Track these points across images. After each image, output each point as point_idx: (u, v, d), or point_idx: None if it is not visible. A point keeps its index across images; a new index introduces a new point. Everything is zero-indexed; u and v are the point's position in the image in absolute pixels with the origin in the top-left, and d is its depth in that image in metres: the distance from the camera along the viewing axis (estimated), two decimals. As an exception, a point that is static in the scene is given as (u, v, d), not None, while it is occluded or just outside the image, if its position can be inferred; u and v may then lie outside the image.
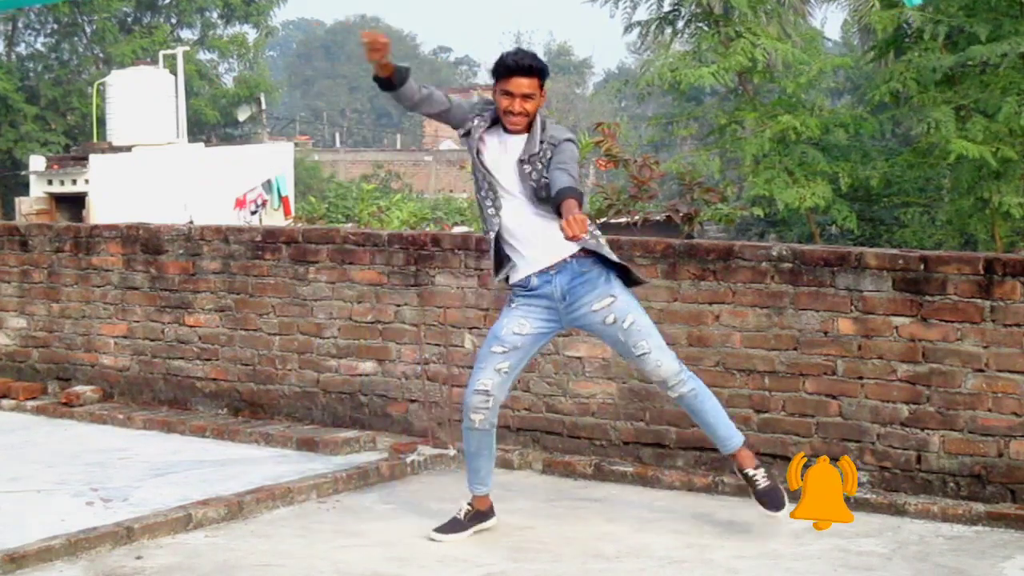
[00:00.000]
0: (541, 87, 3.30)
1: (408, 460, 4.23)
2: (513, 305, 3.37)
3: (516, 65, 3.26)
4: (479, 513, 3.48)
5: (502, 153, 3.34)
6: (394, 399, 4.62)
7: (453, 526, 3.44)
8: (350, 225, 9.70)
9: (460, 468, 4.26)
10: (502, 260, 3.38)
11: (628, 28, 8.43)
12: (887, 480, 3.78)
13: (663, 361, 3.31)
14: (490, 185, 3.33)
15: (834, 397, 3.86)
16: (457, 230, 8.34)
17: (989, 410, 3.66)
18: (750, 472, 3.40)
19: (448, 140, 31.97)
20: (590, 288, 3.30)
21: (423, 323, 4.53)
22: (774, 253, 3.95)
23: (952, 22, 6.73)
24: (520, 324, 3.33)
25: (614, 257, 3.34)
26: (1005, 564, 3.21)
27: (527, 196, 3.29)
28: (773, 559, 3.24)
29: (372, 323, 4.67)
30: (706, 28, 7.98)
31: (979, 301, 3.65)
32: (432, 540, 3.39)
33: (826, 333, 3.86)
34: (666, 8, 8.16)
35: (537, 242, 3.30)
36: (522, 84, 3.25)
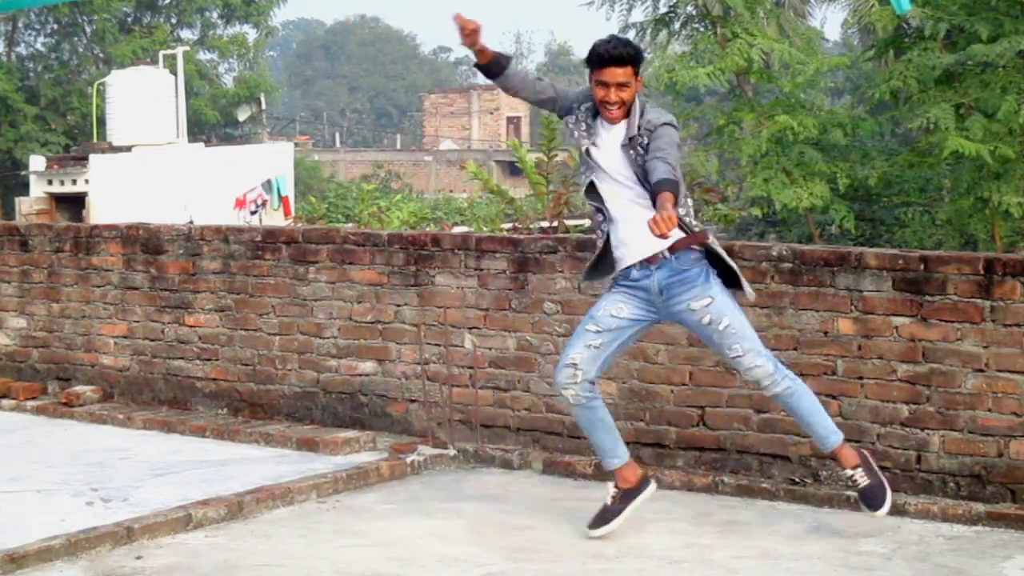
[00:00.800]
0: (636, 74, 3.28)
1: (408, 460, 4.23)
2: (613, 290, 3.37)
3: (609, 55, 3.23)
4: (628, 491, 3.41)
5: (607, 141, 3.31)
6: (394, 399, 4.63)
7: (604, 516, 3.40)
8: (350, 225, 9.71)
9: (460, 468, 4.28)
10: (604, 260, 3.35)
11: (624, 30, 8.43)
12: (887, 480, 3.78)
13: (757, 363, 3.30)
14: (597, 175, 3.32)
15: (834, 397, 3.86)
16: (457, 230, 8.36)
17: (989, 410, 3.66)
18: (848, 472, 3.40)
19: (448, 140, 31.95)
20: (688, 287, 3.29)
21: (423, 323, 4.54)
22: (774, 253, 3.96)
23: (953, 20, 6.76)
24: (619, 308, 3.34)
25: (725, 257, 3.31)
26: (1005, 564, 3.22)
27: (630, 183, 3.27)
28: (773, 559, 3.25)
29: (372, 323, 4.67)
30: (703, 29, 7.99)
31: (979, 301, 3.65)
32: (591, 538, 3.35)
33: (826, 333, 3.86)
34: (662, 10, 8.18)
35: (637, 232, 3.25)
36: (616, 74, 3.23)
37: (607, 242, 3.37)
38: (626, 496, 3.43)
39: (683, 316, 3.33)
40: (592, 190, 3.38)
